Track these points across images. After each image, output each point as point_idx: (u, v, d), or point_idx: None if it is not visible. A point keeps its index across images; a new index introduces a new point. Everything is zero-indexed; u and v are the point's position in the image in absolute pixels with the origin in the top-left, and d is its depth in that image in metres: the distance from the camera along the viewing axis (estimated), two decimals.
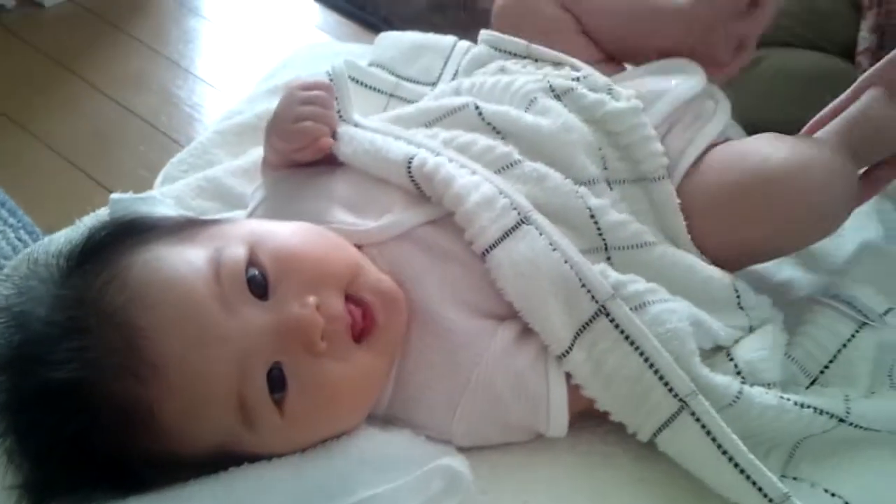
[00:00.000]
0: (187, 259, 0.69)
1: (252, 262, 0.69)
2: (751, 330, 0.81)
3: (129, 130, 1.38)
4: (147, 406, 0.64)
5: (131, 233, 0.73)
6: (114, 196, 0.89)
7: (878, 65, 0.90)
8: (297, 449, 0.70)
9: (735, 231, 0.83)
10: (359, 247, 0.78)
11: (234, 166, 1.07)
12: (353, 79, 0.98)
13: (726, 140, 0.92)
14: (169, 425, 0.65)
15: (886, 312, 0.85)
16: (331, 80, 0.90)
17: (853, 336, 0.83)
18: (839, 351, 0.83)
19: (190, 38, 1.55)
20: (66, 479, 0.67)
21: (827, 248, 0.96)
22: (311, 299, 0.68)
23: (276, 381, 0.67)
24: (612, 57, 1.02)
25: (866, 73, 0.90)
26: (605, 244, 0.81)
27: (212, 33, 1.56)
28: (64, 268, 0.70)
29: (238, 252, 0.69)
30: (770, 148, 0.85)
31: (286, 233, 0.74)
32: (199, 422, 0.66)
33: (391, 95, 1.11)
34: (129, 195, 0.91)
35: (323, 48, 1.42)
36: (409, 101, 1.08)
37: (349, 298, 0.71)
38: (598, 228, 0.81)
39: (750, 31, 0.96)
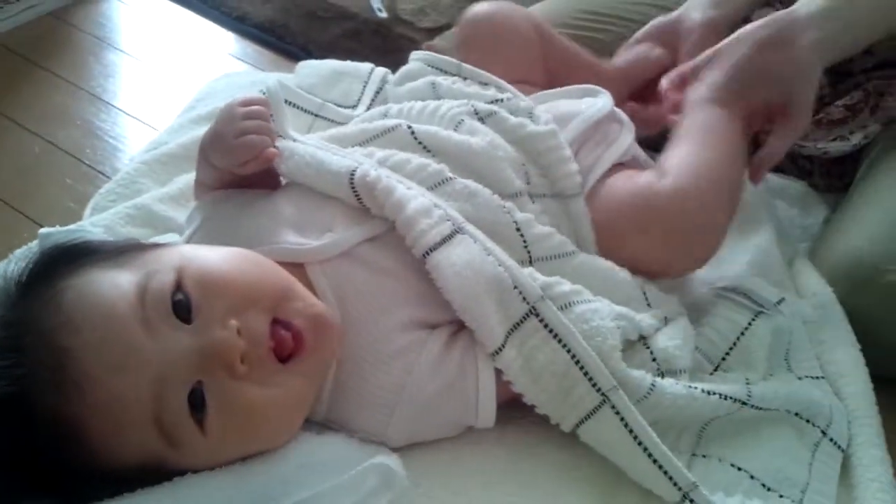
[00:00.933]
0: (116, 283, 0.70)
1: (179, 286, 0.71)
2: (665, 322, 0.86)
3: (55, 164, 1.37)
4: (73, 423, 0.66)
5: (73, 257, 0.75)
6: (42, 231, 0.90)
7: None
8: (229, 463, 0.72)
9: (627, 246, 0.89)
10: (300, 265, 0.80)
11: (162, 193, 1.09)
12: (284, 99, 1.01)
13: (632, 158, 0.99)
14: (96, 442, 0.67)
15: (779, 302, 0.93)
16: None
17: (750, 324, 0.89)
18: (738, 339, 0.89)
19: (110, 73, 1.56)
20: (10, 493, 0.69)
21: (724, 249, 1.01)
22: (233, 322, 0.69)
23: (198, 401, 0.68)
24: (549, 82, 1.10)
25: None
26: (530, 256, 0.86)
27: (131, 66, 1.57)
28: (13, 290, 0.72)
29: (165, 278, 0.71)
30: (652, 177, 0.91)
31: (214, 257, 0.75)
32: (123, 440, 0.68)
33: (316, 115, 1.15)
34: (56, 229, 0.92)
35: (241, 77, 1.44)
36: (333, 122, 1.14)
37: (278, 322, 0.73)
38: (524, 241, 0.85)
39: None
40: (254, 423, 0.71)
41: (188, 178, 1.09)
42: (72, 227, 0.95)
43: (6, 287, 0.74)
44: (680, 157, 0.91)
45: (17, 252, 0.97)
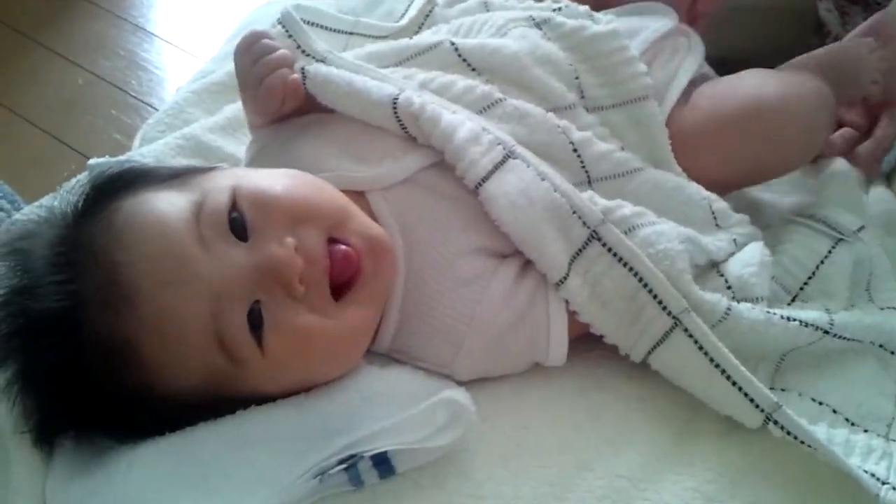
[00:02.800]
0: (171, 202, 0.69)
1: (234, 205, 0.70)
2: (736, 245, 0.83)
3: (99, 96, 1.36)
4: (125, 339, 0.65)
5: (126, 181, 0.74)
6: (91, 162, 0.88)
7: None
8: (290, 390, 0.71)
9: (728, 158, 0.87)
10: (361, 194, 0.78)
11: (212, 122, 1.06)
12: (307, 21, 0.96)
13: (703, 77, 0.95)
14: (149, 360, 0.66)
15: (859, 230, 0.88)
16: (282, 25, 0.89)
17: (830, 252, 0.85)
18: (817, 267, 0.85)
19: (151, 2, 1.52)
20: (64, 413, 0.69)
21: (799, 174, 0.99)
22: (289, 240, 0.68)
23: (256, 320, 0.67)
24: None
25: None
26: (588, 176, 0.83)
27: None
28: (68, 213, 0.72)
29: (221, 196, 0.70)
30: (761, 80, 0.89)
31: (268, 177, 0.73)
32: (178, 357, 0.66)
33: (350, 34, 1.08)
34: (106, 159, 0.90)
35: (285, 3, 1.39)
36: (372, 38, 1.06)
37: (334, 241, 0.71)
38: (582, 162, 0.82)
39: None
40: (310, 348, 0.69)
41: (236, 107, 1.06)
42: (123, 157, 0.92)
43: (60, 214, 0.72)
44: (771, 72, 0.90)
45: (66, 185, 0.94)
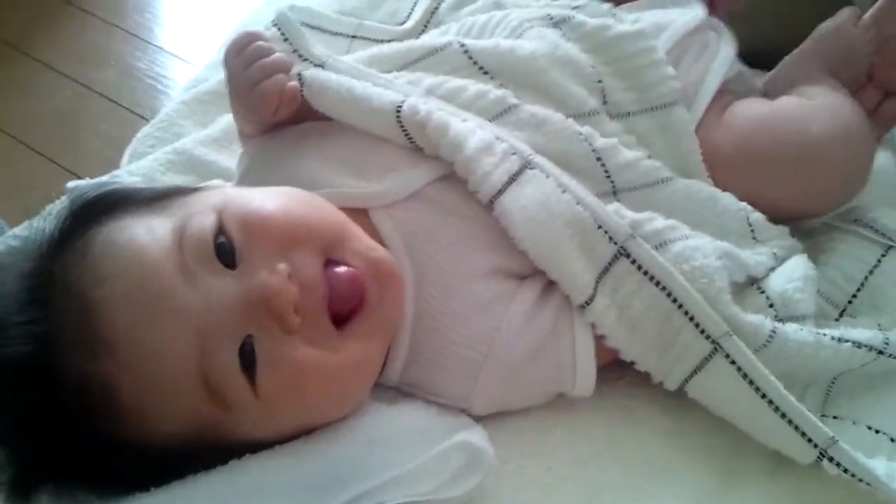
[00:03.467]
0: (150, 228, 0.63)
1: (221, 229, 0.64)
2: (776, 259, 0.77)
3: (90, 109, 1.31)
4: (102, 384, 0.59)
5: (105, 206, 0.68)
6: (70, 184, 0.82)
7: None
8: (288, 435, 0.65)
9: (761, 192, 0.80)
10: (362, 211, 0.72)
11: (203, 136, 1.02)
12: (307, 25, 0.90)
13: (738, 76, 0.89)
14: (130, 406, 0.60)
15: None
16: (277, 27, 0.83)
17: (879, 261, 0.79)
18: (866, 278, 0.78)
19: (146, 8, 1.47)
20: (39, 464, 0.63)
21: None
22: (282, 266, 0.62)
23: (248, 358, 0.61)
24: None
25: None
26: (614, 187, 0.77)
27: (167, 1, 1.47)
28: (42, 242, 0.66)
29: (206, 220, 0.64)
30: (808, 114, 0.82)
31: (259, 196, 0.67)
32: (162, 403, 0.61)
33: (353, 37, 1.02)
34: (86, 181, 0.84)
35: (281, 4, 1.33)
36: (375, 42, 1.01)
37: (332, 264, 0.65)
38: (606, 171, 0.76)
39: None
40: (309, 387, 0.63)
41: (230, 118, 1.00)
42: (105, 177, 0.87)
43: (34, 244, 0.66)
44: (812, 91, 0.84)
45: (52, 208, 0.88)
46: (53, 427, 0.61)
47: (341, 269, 0.65)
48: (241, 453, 0.64)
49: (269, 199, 0.67)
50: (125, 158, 1.05)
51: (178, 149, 1.01)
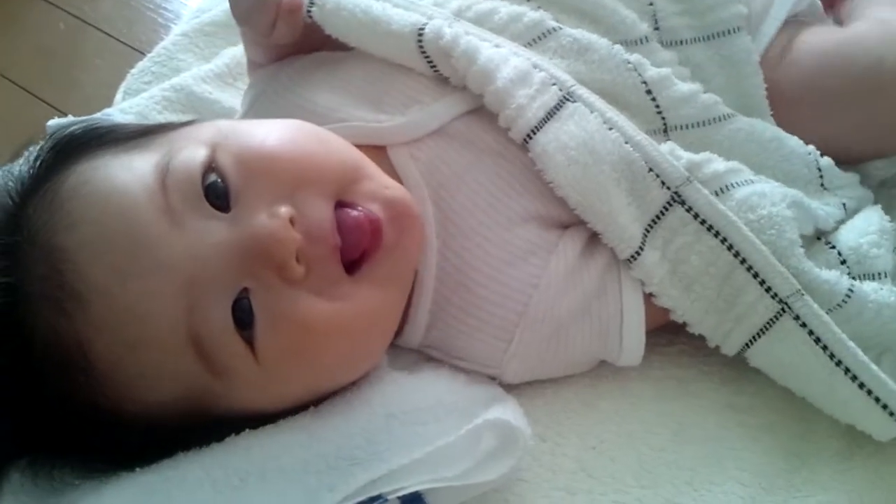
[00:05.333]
0: (130, 166, 0.56)
1: (212, 166, 0.56)
2: (846, 210, 0.71)
3: (83, 43, 1.23)
4: (75, 345, 0.53)
5: (83, 143, 0.60)
6: (50, 123, 0.74)
7: None
8: (294, 403, 0.58)
9: (834, 135, 0.73)
10: (381, 149, 0.66)
11: (206, 71, 0.96)
12: None
13: (811, 5, 0.81)
14: (107, 372, 0.53)
15: None
16: None
17: None
18: None
19: None
20: (9, 434, 0.56)
21: None
22: (283, 209, 0.55)
23: (244, 314, 0.54)
24: None
25: None
26: (665, 124, 0.70)
27: None
28: (13, 186, 0.58)
29: (195, 154, 0.56)
30: (882, 44, 0.74)
31: (260, 130, 0.60)
32: (144, 369, 0.53)
33: None
34: (69, 119, 0.75)
35: None
36: None
37: (343, 206, 0.58)
38: (657, 106, 0.69)
39: None
40: (316, 346, 0.56)
41: (236, 51, 0.97)
42: (92, 116, 0.78)
43: (3, 189, 0.58)
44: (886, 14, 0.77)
45: (35, 149, 0.81)
46: (24, 392, 0.54)
47: (353, 212, 0.57)
48: (239, 427, 0.57)
49: (271, 133, 0.59)
50: (118, 96, 0.98)
51: (177, 85, 0.94)
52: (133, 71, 1.00)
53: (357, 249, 0.57)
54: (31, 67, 1.21)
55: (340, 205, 0.57)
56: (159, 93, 0.93)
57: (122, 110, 0.90)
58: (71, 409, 0.54)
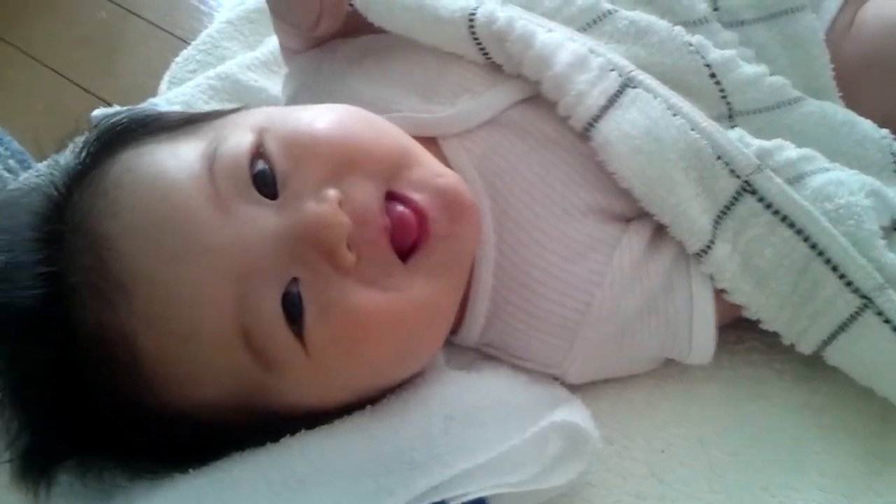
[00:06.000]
0: (176, 153, 0.54)
1: (260, 152, 0.54)
2: None
3: (127, 32, 1.22)
4: (120, 338, 0.51)
5: (129, 131, 0.59)
6: (96, 112, 0.72)
7: None
8: (346, 399, 0.56)
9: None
10: (432, 140, 0.63)
11: (251, 59, 0.94)
12: None
13: None
14: (154, 366, 0.51)
15: None
16: None
17: None
18: None
19: None
20: (54, 437, 0.54)
21: None
22: (332, 192, 0.52)
23: (294, 307, 0.52)
24: None
25: None
26: (730, 109, 0.67)
27: None
28: (59, 175, 0.57)
29: (242, 141, 0.54)
30: None
31: (309, 115, 0.58)
32: (193, 363, 0.52)
33: None
34: (114, 109, 0.73)
35: None
36: None
37: (394, 197, 0.56)
38: (721, 90, 0.66)
39: None
40: (369, 338, 0.53)
41: None
42: (138, 106, 0.77)
43: (50, 177, 0.57)
44: None
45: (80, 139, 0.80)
46: (69, 388, 0.53)
47: (399, 207, 0.55)
48: (294, 426, 0.54)
49: (320, 117, 0.57)
50: (163, 85, 0.97)
51: (222, 73, 0.93)
52: (177, 59, 0.99)
53: (405, 243, 0.55)
54: (72, 57, 1.19)
55: (389, 196, 0.55)
56: (205, 81, 0.92)
57: (167, 100, 0.89)
58: (117, 407, 0.52)
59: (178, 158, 0.53)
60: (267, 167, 0.53)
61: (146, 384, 0.52)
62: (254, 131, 0.55)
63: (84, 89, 1.14)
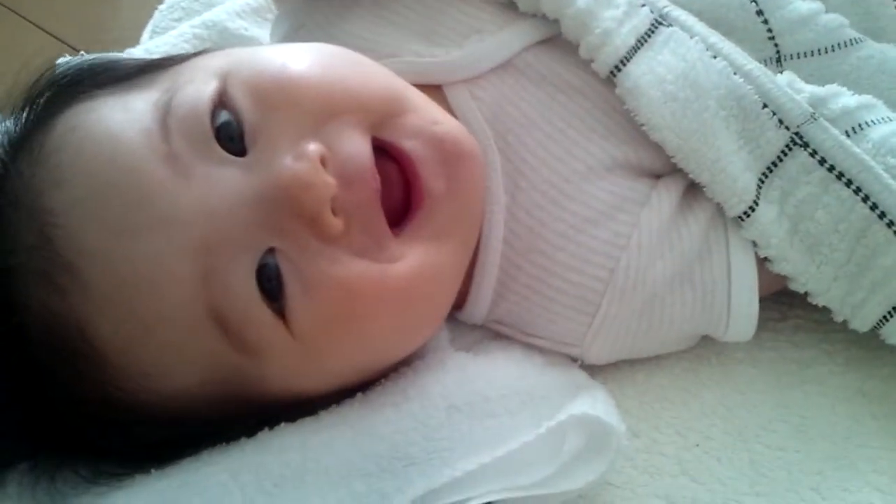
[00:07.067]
0: (126, 107, 0.48)
1: (223, 100, 0.48)
2: None
3: None
4: (77, 328, 0.45)
5: (79, 83, 0.52)
6: (60, 61, 0.65)
7: None
8: (336, 385, 0.50)
9: None
10: (436, 88, 0.57)
11: (241, 4, 0.88)
12: None
13: None
14: (117, 358, 0.46)
15: None
16: None
17: None
18: None
19: None
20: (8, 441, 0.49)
21: None
22: (312, 147, 0.46)
23: (271, 281, 0.46)
24: None
25: None
26: (779, 53, 0.62)
27: None
28: (5, 142, 0.51)
29: (202, 88, 0.48)
30: None
31: (281, 55, 0.51)
32: (159, 351, 0.46)
33: None
34: (79, 57, 0.66)
35: None
36: None
37: (380, 147, 0.49)
38: (769, 30, 0.61)
39: None
40: (362, 315, 0.48)
41: None
42: (104, 54, 0.70)
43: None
44: None
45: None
46: (21, 386, 0.47)
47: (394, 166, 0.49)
48: (274, 419, 0.49)
49: (295, 58, 0.50)
50: (145, 34, 0.91)
51: (209, 21, 0.86)
52: (161, 7, 0.93)
53: (397, 198, 0.49)
54: (50, 6, 1.14)
55: (375, 145, 0.48)
56: (189, 30, 0.85)
57: (147, 50, 0.82)
58: (76, 404, 0.47)
59: (127, 112, 0.47)
60: (232, 118, 0.47)
61: (107, 377, 0.46)
62: (217, 76, 0.48)
63: (55, 37, 1.09)
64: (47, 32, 1.09)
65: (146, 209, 0.44)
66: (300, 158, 0.45)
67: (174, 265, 0.44)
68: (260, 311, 0.45)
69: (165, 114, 0.46)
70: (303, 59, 0.50)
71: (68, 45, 1.04)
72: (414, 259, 0.48)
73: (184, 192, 0.45)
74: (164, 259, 0.44)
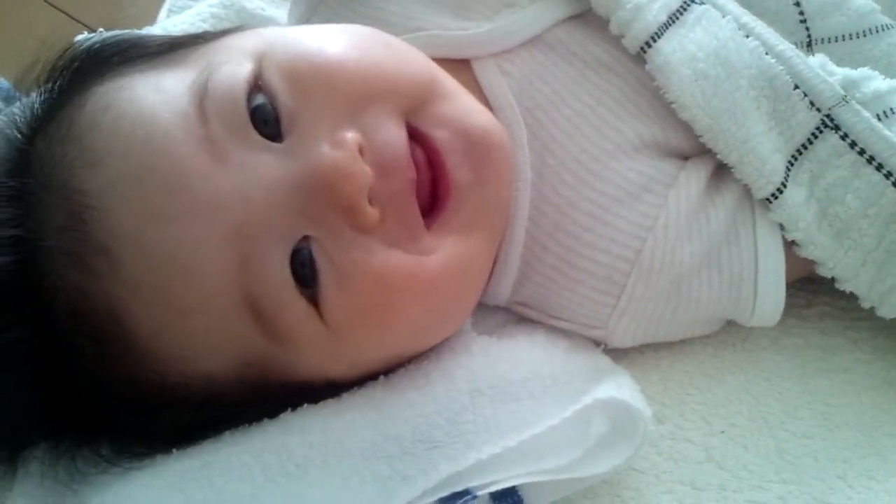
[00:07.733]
0: (160, 87, 0.46)
1: (258, 84, 0.46)
2: None
3: None
4: (110, 311, 0.44)
5: (106, 60, 0.51)
6: (78, 38, 0.62)
7: None
8: (364, 373, 0.50)
9: None
10: (464, 63, 0.56)
11: None
12: None
13: None
14: (149, 341, 0.45)
15: None
16: None
17: None
18: None
19: None
20: (27, 414, 0.48)
21: None
22: (350, 135, 0.45)
23: (306, 268, 0.46)
24: None
25: None
26: (810, 36, 0.62)
27: None
28: (24, 117, 0.50)
29: (237, 70, 0.46)
30: None
31: (316, 37, 0.50)
32: (191, 336, 0.45)
33: None
34: (99, 33, 0.63)
35: None
36: None
37: (411, 135, 0.48)
38: (801, 13, 0.61)
39: None
40: (394, 306, 0.47)
41: None
42: (124, 31, 0.69)
43: (19, 118, 0.50)
44: None
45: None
46: (48, 369, 0.46)
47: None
48: (297, 401, 0.48)
49: (331, 41, 0.49)
50: (162, 13, 0.90)
51: (227, 1, 0.84)
52: None
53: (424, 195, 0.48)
54: None
55: (413, 135, 0.48)
56: (207, 9, 0.83)
57: (164, 29, 0.79)
58: (104, 385, 0.46)
59: (162, 93, 0.46)
60: (267, 101, 0.45)
61: (138, 361, 0.45)
62: (252, 58, 0.47)
63: (71, 17, 1.06)
64: (62, 11, 1.07)
65: (184, 194, 0.43)
66: (338, 146, 0.44)
67: (211, 252, 0.43)
68: (293, 297, 0.45)
69: (203, 96, 0.45)
70: (338, 43, 0.49)
71: (83, 24, 1.03)
72: (446, 252, 0.48)
73: (221, 178, 0.44)
74: (202, 246, 0.43)
